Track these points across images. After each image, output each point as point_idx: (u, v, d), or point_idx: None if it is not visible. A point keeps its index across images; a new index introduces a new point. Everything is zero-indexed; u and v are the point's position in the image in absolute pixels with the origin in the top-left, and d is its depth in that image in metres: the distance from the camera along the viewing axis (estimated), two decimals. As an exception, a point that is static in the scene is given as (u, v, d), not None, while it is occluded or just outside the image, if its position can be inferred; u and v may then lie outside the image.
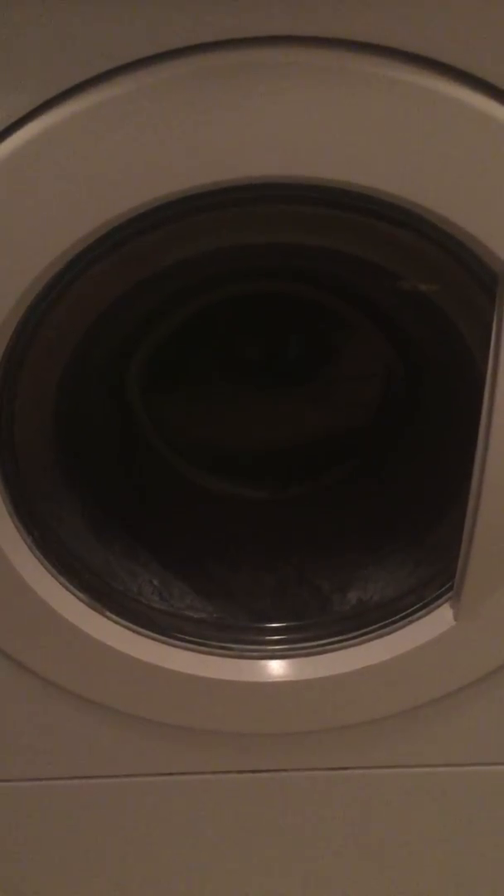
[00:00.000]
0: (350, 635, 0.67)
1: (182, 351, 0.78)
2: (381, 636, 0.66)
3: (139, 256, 0.53)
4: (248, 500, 0.80)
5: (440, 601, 0.65)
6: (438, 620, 0.64)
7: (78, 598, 0.64)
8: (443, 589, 0.65)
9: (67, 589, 0.64)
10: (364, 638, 0.67)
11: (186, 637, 0.67)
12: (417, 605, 0.66)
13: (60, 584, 0.63)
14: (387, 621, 0.66)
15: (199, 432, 0.81)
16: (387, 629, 0.66)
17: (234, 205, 0.51)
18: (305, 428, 0.82)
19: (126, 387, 0.77)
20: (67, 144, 0.46)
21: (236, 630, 0.69)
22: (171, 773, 0.73)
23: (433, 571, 0.66)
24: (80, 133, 0.47)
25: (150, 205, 0.47)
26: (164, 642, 0.66)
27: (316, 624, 0.69)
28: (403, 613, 0.66)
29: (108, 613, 0.65)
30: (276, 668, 0.67)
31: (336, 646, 0.67)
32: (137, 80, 0.46)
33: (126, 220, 0.48)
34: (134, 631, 0.66)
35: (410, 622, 0.66)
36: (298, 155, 0.47)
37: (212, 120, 0.46)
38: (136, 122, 0.46)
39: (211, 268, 0.64)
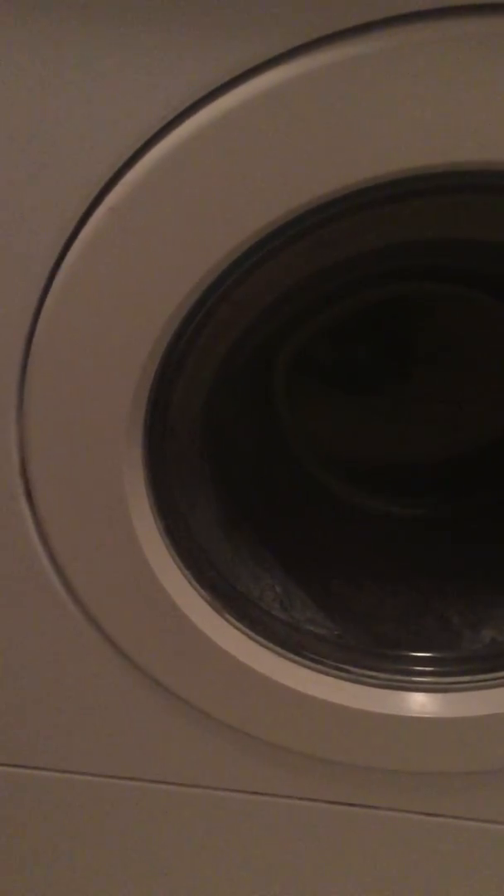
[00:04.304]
0: (480, 676, 0.62)
1: (332, 354, 0.74)
2: (518, 683, 0.61)
3: (331, 241, 0.49)
4: (386, 515, 0.75)
5: None
6: None
7: (200, 594, 0.60)
8: None
9: (191, 584, 0.60)
10: (497, 682, 0.61)
11: (304, 652, 0.63)
12: None
13: (185, 577, 0.60)
14: (525, 668, 0.61)
15: (345, 441, 0.76)
16: (525, 677, 0.61)
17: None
18: (459, 444, 0.77)
19: (275, 386, 0.74)
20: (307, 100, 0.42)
21: (355, 652, 0.64)
22: (254, 793, 0.69)
23: None
24: (299, 99, 0.42)
25: (388, 177, 0.42)
26: (281, 655, 0.62)
27: (442, 659, 0.64)
28: (544, 662, 0.61)
29: (227, 615, 0.61)
30: (395, 701, 0.63)
31: (463, 686, 0.62)
32: (375, 43, 0.41)
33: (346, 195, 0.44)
34: (252, 638, 0.62)
35: (551, 672, 0.60)
36: None
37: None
38: (366, 92, 0.42)
39: (385, 263, 0.60)
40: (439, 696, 0.62)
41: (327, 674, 0.63)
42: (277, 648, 0.62)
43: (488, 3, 0.41)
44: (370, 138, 0.42)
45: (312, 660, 0.63)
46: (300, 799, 0.68)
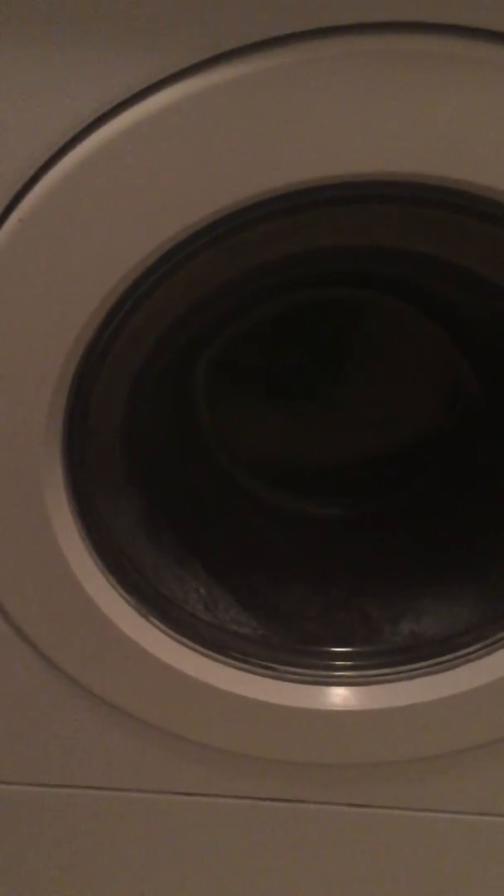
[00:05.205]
0: (401, 669, 0.64)
1: (251, 358, 0.75)
2: (435, 673, 0.63)
3: (247, 248, 0.50)
4: (306, 516, 0.77)
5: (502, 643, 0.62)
6: (500, 663, 0.61)
7: (124, 598, 0.61)
8: (506, 631, 0.62)
9: (114, 588, 0.60)
10: (416, 673, 0.63)
11: (230, 652, 0.63)
12: (477, 646, 0.62)
13: (108, 581, 0.60)
14: (442, 658, 0.63)
15: (266, 443, 0.78)
16: (441, 666, 0.63)
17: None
18: (378, 445, 0.79)
19: (194, 390, 0.74)
20: (195, 120, 0.43)
21: (280, 650, 0.65)
22: (184, 793, 0.69)
23: (497, 610, 0.63)
24: (210, 109, 0.44)
25: (284, 189, 0.44)
26: (206, 655, 0.63)
27: (363, 653, 0.66)
28: (461, 652, 0.63)
29: (151, 618, 0.61)
30: (318, 696, 0.64)
31: (384, 678, 0.64)
32: (283, 56, 0.43)
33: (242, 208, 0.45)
34: (177, 640, 0.62)
35: (468, 661, 0.62)
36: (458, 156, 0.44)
37: (360, 109, 0.43)
38: (275, 102, 0.43)
39: (299, 269, 0.61)
40: (361, 689, 0.64)
41: (252, 672, 0.63)
42: (202, 649, 0.62)
43: (397, 21, 0.43)
44: (271, 151, 0.43)
45: (238, 659, 0.63)
46: (229, 797, 0.69)
